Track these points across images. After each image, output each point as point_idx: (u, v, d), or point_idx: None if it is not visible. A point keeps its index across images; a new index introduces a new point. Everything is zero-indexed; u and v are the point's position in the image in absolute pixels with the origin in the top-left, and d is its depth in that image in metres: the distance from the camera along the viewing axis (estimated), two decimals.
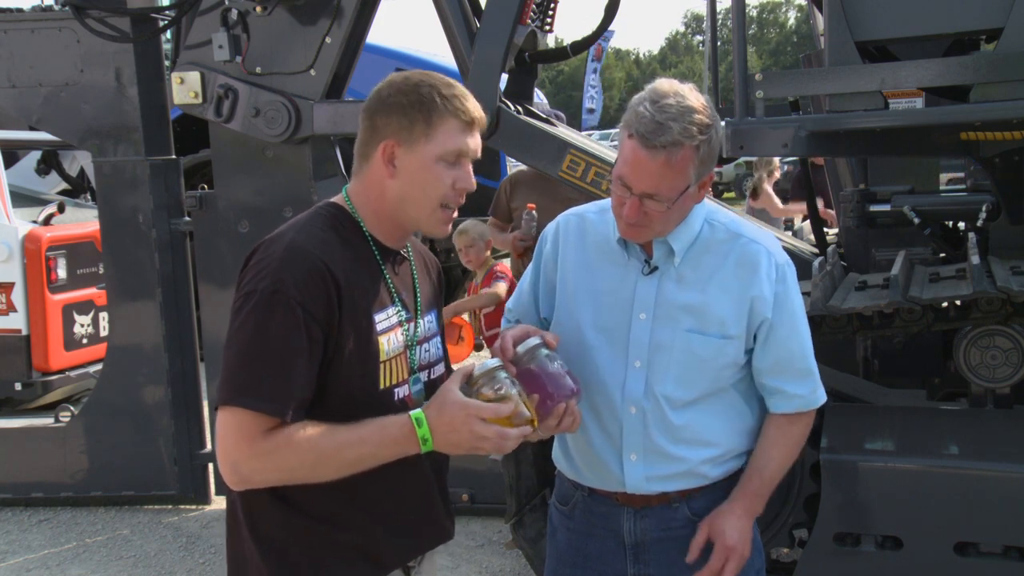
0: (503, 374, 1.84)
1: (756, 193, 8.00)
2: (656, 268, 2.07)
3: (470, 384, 1.82)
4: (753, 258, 2.06)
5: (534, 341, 1.92)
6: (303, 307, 1.73)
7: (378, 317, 1.85)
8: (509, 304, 2.34)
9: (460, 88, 1.88)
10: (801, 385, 2.12)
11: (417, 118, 1.82)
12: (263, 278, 1.75)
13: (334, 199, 1.95)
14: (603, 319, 2.09)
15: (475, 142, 1.89)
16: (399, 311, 1.90)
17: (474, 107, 1.88)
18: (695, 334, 2.04)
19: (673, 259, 2.06)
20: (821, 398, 2.17)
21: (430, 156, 1.84)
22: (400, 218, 1.90)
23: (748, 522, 2.11)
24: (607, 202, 2.20)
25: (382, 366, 1.85)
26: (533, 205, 4.88)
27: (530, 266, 2.29)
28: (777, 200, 7.99)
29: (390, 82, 1.88)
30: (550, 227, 2.25)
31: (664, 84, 1.97)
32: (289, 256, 1.77)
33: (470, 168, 1.90)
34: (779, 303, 2.06)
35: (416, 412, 1.78)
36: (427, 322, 2.00)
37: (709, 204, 2.13)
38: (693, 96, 1.94)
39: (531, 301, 2.26)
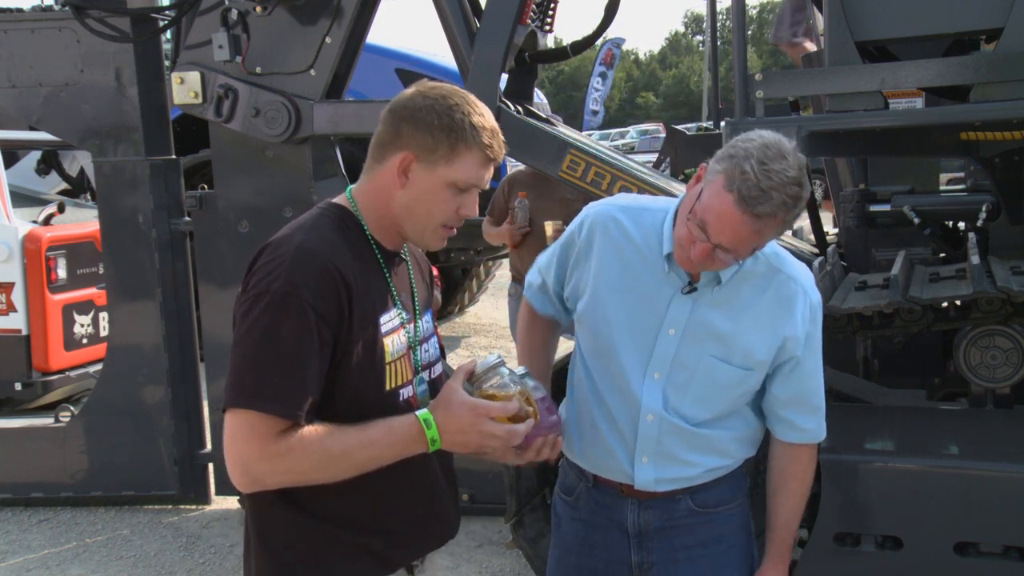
0: (505, 370, 1.85)
1: None
2: (695, 289, 2.08)
3: (471, 381, 1.83)
4: (790, 297, 2.08)
5: (521, 370, 1.91)
6: (315, 309, 1.72)
7: (383, 319, 1.85)
8: (531, 278, 2.34)
9: (492, 121, 1.86)
10: (811, 420, 2.18)
11: (442, 141, 1.81)
12: (274, 279, 1.74)
13: (337, 199, 1.94)
14: (632, 324, 2.10)
15: (489, 176, 1.89)
16: (400, 312, 1.91)
17: (500, 146, 1.87)
18: (719, 361, 2.06)
19: (715, 285, 2.07)
20: (823, 433, 2.22)
21: (444, 180, 1.83)
22: (400, 226, 1.90)
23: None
24: (654, 202, 2.19)
25: (388, 367, 1.85)
26: (524, 194, 4.89)
27: (559, 244, 2.26)
28: None
29: (424, 94, 1.84)
30: (589, 216, 2.20)
31: (772, 142, 1.91)
32: (300, 257, 1.76)
33: (476, 197, 1.90)
34: (808, 341, 2.11)
35: (423, 413, 1.79)
36: (425, 322, 2.01)
37: None
38: (795, 159, 1.90)
39: (556, 279, 2.26)
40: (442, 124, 1.80)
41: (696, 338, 2.06)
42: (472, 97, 1.86)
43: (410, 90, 1.87)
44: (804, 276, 2.14)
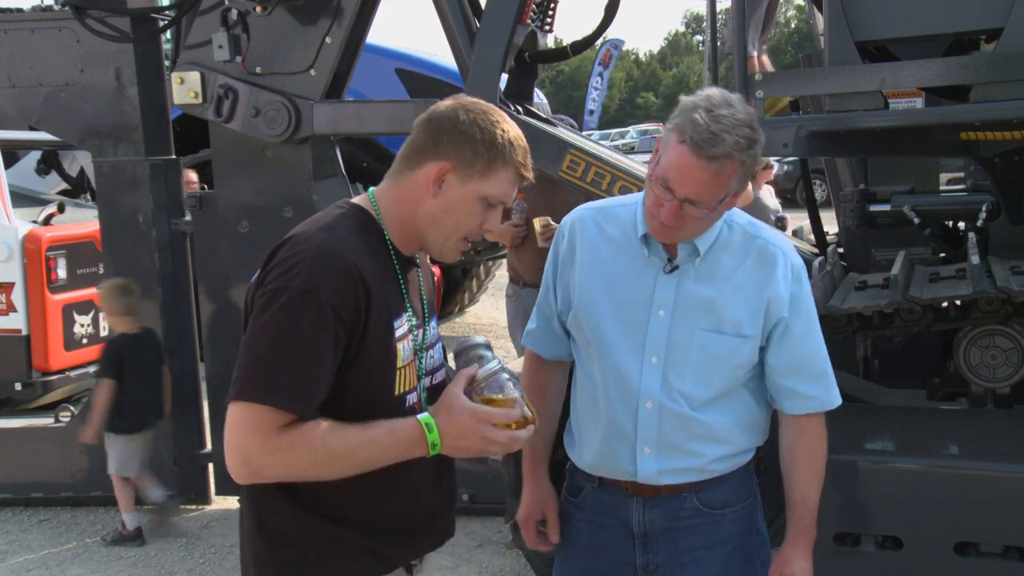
0: (505, 375, 1.85)
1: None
2: (676, 267, 2.09)
3: (472, 386, 1.83)
4: (770, 259, 2.10)
5: (495, 365, 1.90)
6: (334, 309, 1.72)
7: (396, 323, 1.86)
8: (531, 327, 2.33)
9: (525, 141, 1.91)
10: (816, 386, 2.17)
11: (482, 155, 1.83)
12: (294, 276, 1.74)
13: (358, 200, 1.94)
14: (621, 314, 2.12)
15: (515, 193, 1.93)
16: (411, 318, 1.92)
17: (530, 166, 1.91)
18: (712, 333, 2.07)
19: (695, 259, 2.09)
20: (836, 399, 2.20)
21: (477, 193, 1.85)
22: (422, 235, 1.91)
23: (811, 558, 2.18)
24: (625, 197, 2.25)
25: (398, 372, 1.86)
26: (523, 196, 4.91)
27: (547, 265, 2.29)
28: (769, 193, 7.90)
29: (467, 108, 1.86)
30: (566, 222, 2.26)
31: (716, 93, 1.99)
32: (321, 256, 1.76)
33: (500, 213, 1.93)
34: (795, 303, 2.11)
35: (425, 417, 1.79)
36: (432, 328, 2.02)
37: None
38: (742, 107, 1.97)
39: (554, 298, 2.27)
40: (484, 139, 1.83)
41: (686, 314, 2.08)
42: (507, 116, 1.90)
43: (449, 102, 1.89)
44: (783, 241, 2.17)
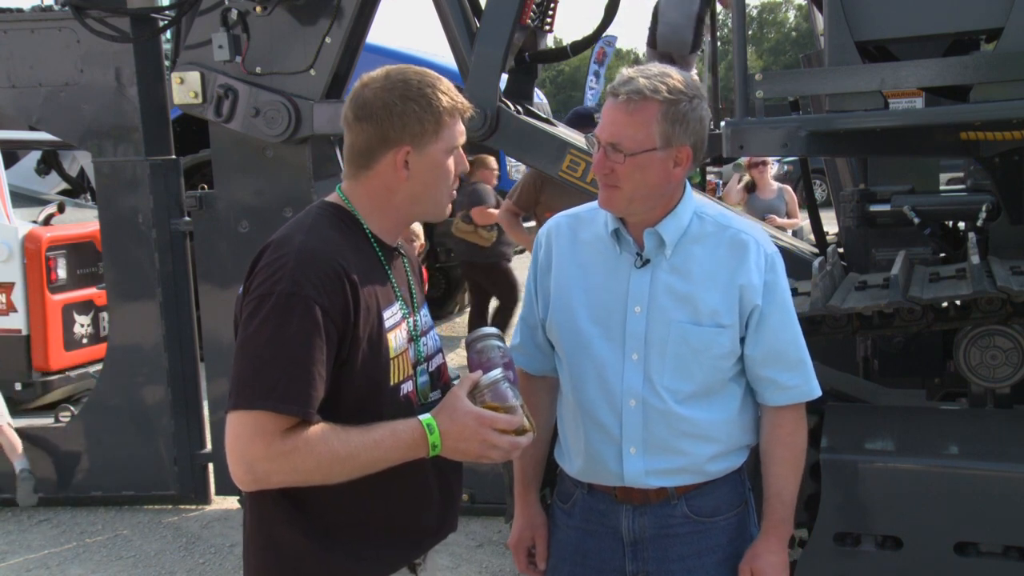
0: (506, 384, 1.86)
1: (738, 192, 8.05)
2: (648, 261, 2.09)
3: (475, 392, 1.85)
4: (741, 247, 2.09)
5: (498, 373, 1.91)
6: (322, 308, 1.73)
7: (386, 314, 1.87)
8: (515, 341, 2.33)
9: (446, 80, 1.93)
10: (794, 375, 2.14)
11: (429, 121, 1.86)
12: (279, 280, 1.74)
13: (329, 198, 1.96)
14: (599, 313, 2.12)
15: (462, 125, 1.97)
16: (401, 307, 1.92)
17: (463, 98, 1.94)
18: (689, 325, 2.06)
19: (664, 250, 2.09)
20: (816, 390, 2.17)
21: (441, 152, 1.89)
22: (409, 214, 1.96)
23: (784, 552, 2.16)
24: (592, 203, 2.25)
25: (392, 363, 1.86)
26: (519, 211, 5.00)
27: (528, 276, 2.30)
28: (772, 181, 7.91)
29: (389, 89, 1.86)
30: (542, 231, 2.28)
31: (656, 64, 2.07)
32: (304, 257, 1.77)
33: (461, 150, 1.97)
34: (769, 291, 2.09)
35: (427, 418, 1.80)
36: (423, 315, 2.03)
37: (698, 198, 2.17)
38: (680, 75, 2.02)
39: (536, 308, 2.28)
40: (422, 107, 1.86)
41: (662, 309, 2.07)
42: (415, 67, 1.93)
43: (366, 93, 1.88)
44: (756, 230, 2.16)
